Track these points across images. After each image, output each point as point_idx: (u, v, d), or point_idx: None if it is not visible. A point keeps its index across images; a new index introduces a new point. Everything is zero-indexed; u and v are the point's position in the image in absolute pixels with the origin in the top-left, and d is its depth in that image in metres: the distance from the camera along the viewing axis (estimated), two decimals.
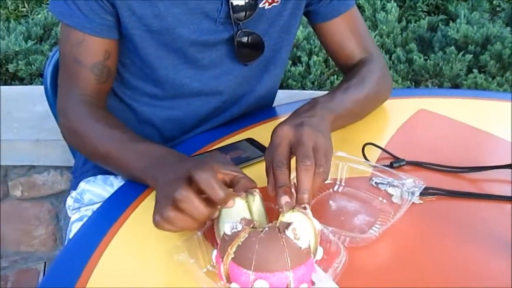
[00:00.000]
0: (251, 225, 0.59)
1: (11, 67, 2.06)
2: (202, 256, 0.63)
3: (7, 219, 1.62)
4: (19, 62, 2.05)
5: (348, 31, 0.97)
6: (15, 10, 2.57)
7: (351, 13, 0.97)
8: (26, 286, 1.57)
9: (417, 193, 0.72)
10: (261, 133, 0.90)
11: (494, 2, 2.48)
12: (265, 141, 0.81)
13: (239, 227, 0.58)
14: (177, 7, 0.85)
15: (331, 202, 0.76)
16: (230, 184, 0.67)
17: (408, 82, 2.02)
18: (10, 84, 2.08)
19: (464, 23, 2.18)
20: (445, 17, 2.38)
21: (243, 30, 0.89)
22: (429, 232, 0.71)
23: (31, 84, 2.05)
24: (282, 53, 0.98)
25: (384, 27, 2.20)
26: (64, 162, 1.51)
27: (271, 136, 0.71)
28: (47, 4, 2.51)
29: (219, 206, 0.64)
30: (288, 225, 0.58)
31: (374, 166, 0.78)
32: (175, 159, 0.73)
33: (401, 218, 0.68)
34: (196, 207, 0.62)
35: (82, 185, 1.01)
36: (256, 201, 0.65)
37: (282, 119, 0.74)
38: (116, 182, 0.99)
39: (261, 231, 0.58)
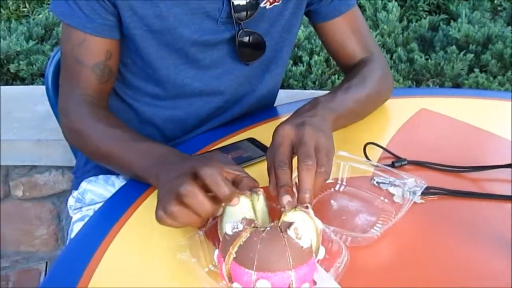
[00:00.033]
0: (252, 225, 0.59)
1: (12, 67, 2.06)
2: (204, 256, 0.63)
3: (8, 219, 1.62)
4: (20, 62, 2.05)
5: (349, 31, 0.97)
6: (16, 10, 2.57)
7: (352, 12, 0.97)
8: (28, 286, 1.57)
9: (419, 193, 0.72)
10: (263, 132, 0.90)
11: (495, 1, 2.48)
12: (266, 140, 0.81)
13: (240, 227, 0.58)
14: (179, 7, 0.85)
15: (332, 201, 0.76)
16: (233, 184, 0.67)
17: (409, 82, 2.02)
18: (12, 84, 2.08)
19: (465, 23, 2.18)
20: (446, 16, 2.38)
21: (245, 29, 0.89)
22: (431, 232, 0.71)
23: (32, 84, 2.06)
24: (283, 52, 0.98)
25: (385, 27, 2.20)
26: (65, 162, 1.51)
27: (273, 135, 0.71)
28: (48, 4, 2.51)
29: (223, 204, 0.64)
30: (290, 224, 0.58)
31: (376, 166, 0.78)
32: (177, 158, 0.73)
33: (402, 218, 0.68)
34: (200, 202, 0.62)
35: (84, 185, 1.01)
36: (260, 200, 0.65)
37: (284, 119, 0.74)
38: (118, 182, 0.99)
39: (263, 230, 0.58)
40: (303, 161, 0.65)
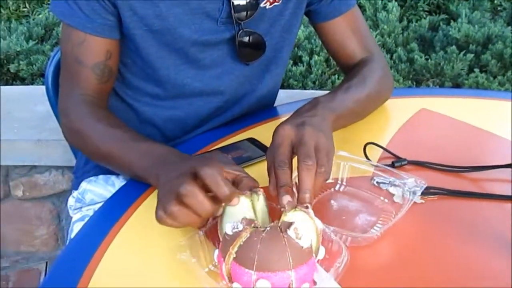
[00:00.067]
0: (252, 225, 0.59)
1: (12, 67, 2.06)
2: (204, 256, 0.63)
3: (8, 219, 1.62)
4: (21, 62, 2.05)
5: (349, 31, 0.97)
6: (16, 10, 2.57)
7: (352, 12, 0.97)
8: (28, 286, 1.57)
9: (419, 193, 0.72)
10: (263, 132, 0.90)
11: (495, 1, 2.48)
12: (266, 140, 0.81)
13: (240, 227, 0.58)
14: (179, 7, 0.85)
15: (332, 201, 0.76)
16: (233, 184, 0.67)
17: (409, 82, 2.02)
18: (12, 84, 2.08)
19: (465, 23, 2.18)
20: (446, 16, 2.38)
21: (245, 29, 0.89)
22: (431, 232, 0.71)
23: (32, 84, 2.06)
24: (283, 52, 0.98)
25: (385, 27, 2.20)
26: (65, 162, 1.51)
27: (273, 135, 0.71)
28: (48, 4, 2.51)
29: (223, 204, 0.64)
30: (289, 224, 0.58)
31: (376, 166, 0.78)
32: (177, 158, 0.73)
33: (402, 218, 0.68)
34: (200, 202, 0.62)
35: (84, 185, 1.01)
36: (260, 201, 0.65)
37: (284, 119, 0.74)
38: (118, 182, 0.99)
39: (263, 230, 0.58)
40: (303, 161, 0.65)
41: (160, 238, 0.69)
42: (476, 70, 1.99)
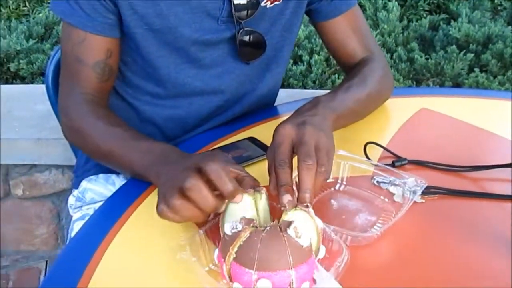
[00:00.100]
0: (251, 224, 0.59)
1: (12, 66, 2.06)
2: (204, 255, 0.63)
3: (8, 218, 1.62)
4: (21, 61, 2.05)
5: (349, 30, 0.97)
6: (16, 9, 2.57)
7: (353, 12, 0.97)
8: (28, 285, 1.57)
9: (419, 192, 0.72)
10: (263, 132, 0.90)
11: (496, 1, 2.48)
12: (267, 140, 0.81)
13: (239, 227, 0.58)
14: (179, 6, 0.85)
15: (332, 201, 0.76)
16: None
17: (409, 81, 2.02)
18: (12, 83, 2.08)
19: (465, 22, 2.18)
20: (447, 16, 2.38)
21: (245, 29, 0.89)
22: (431, 231, 0.71)
23: (32, 83, 2.06)
24: (284, 52, 0.98)
25: (385, 26, 2.20)
26: (65, 161, 1.51)
27: (273, 135, 0.71)
28: (48, 3, 2.51)
29: (226, 201, 0.64)
30: (289, 223, 0.58)
31: (376, 165, 0.78)
32: (178, 156, 0.73)
33: (402, 217, 0.68)
34: (204, 196, 0.62)
35: (84, 183, 1.01)
36: (263, 199, 0.65)
37: (284, 118, 0.74)
38: (118, 181, 0.99)
39: (263, 230, 0.58)
40: (303, 160, 0.65)
41: (160, 237, 0.69)
42: (476, 69, 2.00)
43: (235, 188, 0.62)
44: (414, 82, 2.04)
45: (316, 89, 1.98)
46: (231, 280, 0.58)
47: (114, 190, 0.87)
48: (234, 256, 0.57)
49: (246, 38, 0.90)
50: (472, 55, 2.03)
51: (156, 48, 0.88)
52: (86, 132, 0.84)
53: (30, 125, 1.52)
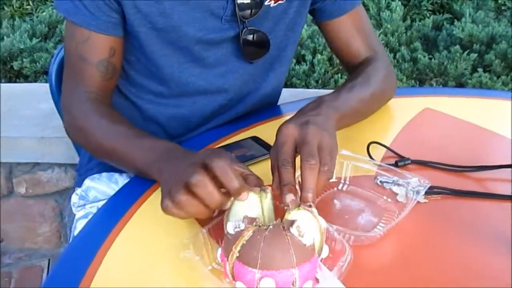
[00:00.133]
0: (254, 223, 0.59)
1: (15, 65, 2.07)
2: (207, 254, 0.63)
3: (11, 216, 1.62)
4: (24, 59, 2.06)
5: (353, 29, 0.97)
6: (19, 7, 2.57)
7: (357, 11, 0.97)
8: (30, 283, 1.58)
9: (422, 192, 0.72)
10: (266, 131, 0.90)
11: (499, 1, 2.47)
12: (270, 139, 0.81)
13: (242, 226, 0.58)
14: (183, 5, 0.85)
15: (335, 200, 0.75)
16: None
17: (413, 81, 2.02)
18: (15, 82, 2.08)
19: (469, 22, 2.17)
20: (450, 16, 2.38)
21: (249, 28, 0.89)
22: (434, 231, 0.70)
23: (35, 81, 2.06)
24: (287, 51, 0.98)
25: (388, 26, 2.19)
26: (68, 160, 1.52)
27: (276, 134, 0.71)
28: (52, 1, 2.52)
29: (231, 198, 0.64)
30: (292, 222, 0.58)
31: (379, 165, 0.78)
32: (181, 154, 0.73)
33: (406, 217, 0.68)
34: (210, 192, 0.62)
35: (87, 182, 1.01)
36: (268, 198, 0.65)
37: (287, 117, 0.74)
38: (121, 180, 0.99)
39: (266, 229, 0.58)
40: (306, 160, 0.65)
41: (163, 235, 0.69)
42: (480, 69, 1.99)
43: (241, 185, 0.62)
44: (417, 82, 2.03)
45: (319, 88, 1.98)
46: (234, 279, 0.58)
47: (117, 188, 0.87)
48: (237, 255, 0.57)
49: (250, 37, 0.90)
50: (476, 55, 2.02)
51: (160, 47, 0.88)
52: (89, 130, 0.84)
53: (33, 123, 1.53)
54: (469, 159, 0.83)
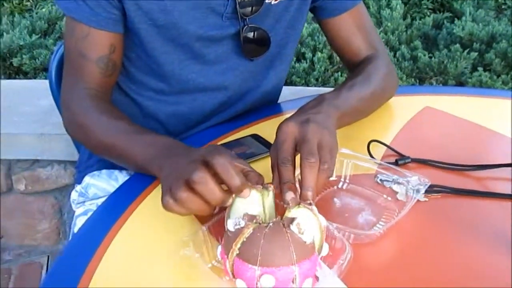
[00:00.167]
0: (254, 221, 0.59)
1: (15, 61, 2.07)
2: (207, 251, 0.63)
3: (11, 213, 1.62)
4: (23, 56, 2.06)
5: (354, 27, 0.97)
6: (19, 4, 2.57)
7: (358, 9, 0.97)
8: (30, 279, 1.58)
9: (422, 191, 0.72)
10: (266, 129, 0.90)
11: (500, 0, 2.47)
12: (270, 137, 0.81)
13: (242, 223, 0.58)
14: (183, 2, 0.84)
15: (335, 199, 0.75)
16: None
17: (413, 80, 2.02)
18: (14, 78, 2.08)
19: (469, 21, 2.17)
20: (450, 14, 2.37)
21: (249, 25, 0.89)
22: (434, 230, 0.70)
23: (35, 78, 2.06)
24: (288, 49, 0.98)
25: (388, 24, 2.19)
26: (67, 157, 1.52)
27: (277, 132, 0.70)
28: None
29: (233, 195, 0.64)
30: (292, 220, 0.58)
31: (379, 163, 0.78)
32: (181, 150, 0.73)
33: (405, 216, 0.68)
34: (211, 189, 0.62)
35: (87, 179, 1.01)
36: (270, 196, 0.64)
37: (287, 115, 0.74)
38: (121, 177, 0.99)
39: (266, 226, 0.58)
40: (305, 158, 0.65)
41: (163, 233, 0.69)
42: (480, 68, 1.99)
43: (242, 183, 0.62)
44: (417, 81, 2.03)
45: (319, 86, 1.98)
46: (234, 276, 0.58)
47: (117, 186, 0.87)
48: (237, 252, 0.57)
49: (251, 34, 0.90)
50: (476, 54, 2.02)
51: (160, 44, 0.88)
52: (89, 126, 0.84)
53: (33, 120, 1.52)
54: (469, 158, 0.83)
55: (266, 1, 0.88)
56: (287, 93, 1.18)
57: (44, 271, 1.60)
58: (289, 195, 0.64)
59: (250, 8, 0.87)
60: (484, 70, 1.99)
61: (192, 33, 0.87)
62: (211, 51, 0.90)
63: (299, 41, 2.08)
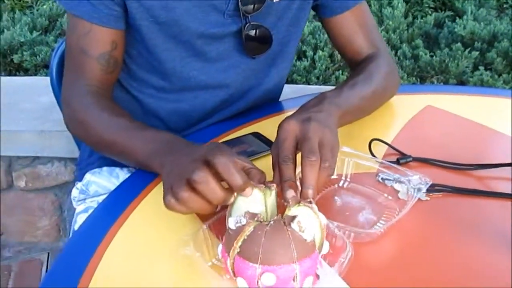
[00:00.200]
0: (255, 219, 0.59)
1: (16, 58, 2.07)
2: (208, 250, 0.63)
3: (11, 210, 1.62)
4: (24, 53, 2.06)
5: (356, 26, 0.97)
6: (20, 0, 2.56)
7: (360, 7, 0.97)
8: (29, 276, 1.58)
9: (423, 190, 0.72)
10: (267, 127, 0.90)
11: None
12: (271, 135, 0.81)
13: (243, 221, 0.58)
14: None
15: (336, 197, 0.75)
16: None
17: (414, 79, 2.02)
18: (15, 75, 2.08)
19: (471, 20, 2.17)
20: (452, 13, 2.37)
21: (251, 23, 0.89)
22: (435, 229, 0.70)
23: (35, 75, 2.06)
24: (289, 47, 0.98)
25: (390, 23, 2.19)
26: (68, 154, 1.52)
27: (278, 130, 0.70)
28: None
29: (235, 193, 0.63)
30: (293, 218, 0.58)
31: (381, 162, 0.78)
32: (183, 146, 0.72)
33: (406, 215, 0.68)
34: (212, 189, 0.61)
35: (88, 176, 1.01)
36: (272, 196, 0.64)
37: (289, 114, 0.73)
38: (122, 174, 0.99)
39: (267, 224, 0.57)
40: (306, 156, 0.65)
41: (164, 231, 0.69)
42: (481, 67, 1.99)
43: (244, 182, 0.62)
44: (418, 80, 2.03)
45: (320, 85, 1.98)
46: (235, 274, 0.58)
47: (117, 183, 0.87)
48: (238, 250, 0.56)
49: (252, 32, 0.89)
50: (477, 53, 2.02)
51: (162, 41, 0.88)
52: (90, 123, 0.84)
53: (34, 117, 1.52)
54: (471, 157, 0.83)
55: None
56: (288, 91, 1.18)
57: (44, 268, 1.61)
58: (290, 193, 0.63)
59: (252, 6, 0.87)
60: (486, 69, 1.99)
61: (194, 30, 0.87)
62: (212, 48, 0.90)
63: (300, 39, 2.08)
